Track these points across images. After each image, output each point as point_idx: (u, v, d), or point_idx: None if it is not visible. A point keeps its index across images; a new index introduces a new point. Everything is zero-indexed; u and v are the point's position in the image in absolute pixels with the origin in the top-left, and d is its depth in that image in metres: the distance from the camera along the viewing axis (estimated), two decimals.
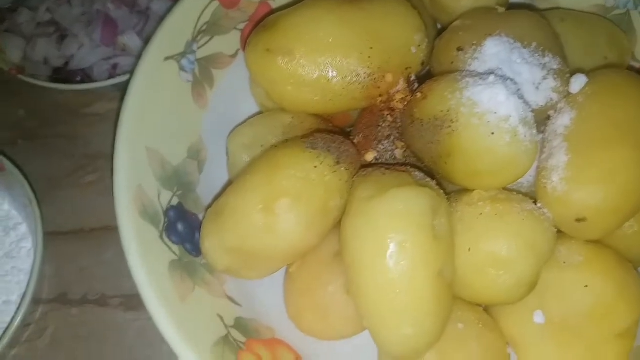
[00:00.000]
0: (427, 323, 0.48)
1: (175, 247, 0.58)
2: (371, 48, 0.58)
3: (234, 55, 0.70)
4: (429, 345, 0.50)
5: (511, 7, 0.67)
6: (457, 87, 0.52)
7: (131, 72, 0.62)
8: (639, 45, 0.68)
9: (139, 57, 0.63)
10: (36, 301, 0.73)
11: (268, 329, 0.60)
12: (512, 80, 0.53)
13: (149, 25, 0.79)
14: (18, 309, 0.67)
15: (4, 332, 0.66)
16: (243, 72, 0.66)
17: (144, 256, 0.54)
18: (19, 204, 0.76)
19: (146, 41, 0.65)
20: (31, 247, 0.73)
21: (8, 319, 0.68)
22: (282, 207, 0.52)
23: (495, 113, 0.49)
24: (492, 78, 0.51)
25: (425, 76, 0.66)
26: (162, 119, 0.63)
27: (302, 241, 0.54)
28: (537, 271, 0.51)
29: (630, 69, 0.67)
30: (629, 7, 0.68)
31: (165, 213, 0.59)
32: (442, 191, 0.53)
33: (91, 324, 0.72)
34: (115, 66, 0.79)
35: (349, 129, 0.67)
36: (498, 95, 0.49)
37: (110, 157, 0.62)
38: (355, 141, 0.62)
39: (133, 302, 0.72)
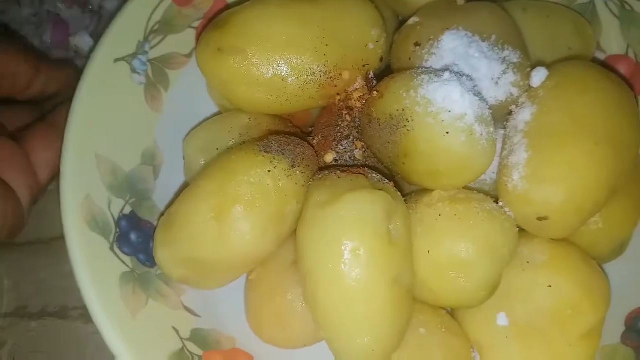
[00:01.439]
0: (384, 331, 0.47)
1: (127, 259, 0.56)
2: (326, 45, 0.56)
3: (189, 55, 0.68)
4: (387, 354, 0.48)
5: None
6: (412, 85, 0.50)
7: (79, 75, 0.60)
8: (604, 35, 0.66)
9: (87, 58, 0.61)
10: None
11: (229, 338, 0.59)
12: (468, 76, 0.51)
13: (101, 25, 0.76)
14: None
15: None
16: (200, 72, 0.64)
17: (92, 270, 0.52)
18: None
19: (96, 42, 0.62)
20: None
21: None
22: (235, 215, 0.50)
23: (450, 111, 0.47)
24: (447, 75, 0.49)
25: (386, 72, 0.64)
26: (113, 124, 0.60)
27: (258, 249, 0.52)
28: (498, 273, 0.50)
29: (595, 60, 0.65)
30: None
31: (117, 223, 0.57)
32: (399, 193, 0.51)
33: (51, 338, 0.70)
34: None
35: (309, 129, 0.65)
36: (452, 93, 0.48)
37: None
38: (314, 142, 0.60)
39: None
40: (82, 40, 0.75)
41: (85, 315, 0.71)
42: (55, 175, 0.64)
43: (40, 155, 0.62)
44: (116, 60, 0.61)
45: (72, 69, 0.71)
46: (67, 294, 0.72)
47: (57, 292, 0.72)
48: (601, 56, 0.67)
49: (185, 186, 0.64)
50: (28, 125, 0.64)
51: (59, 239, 0.74)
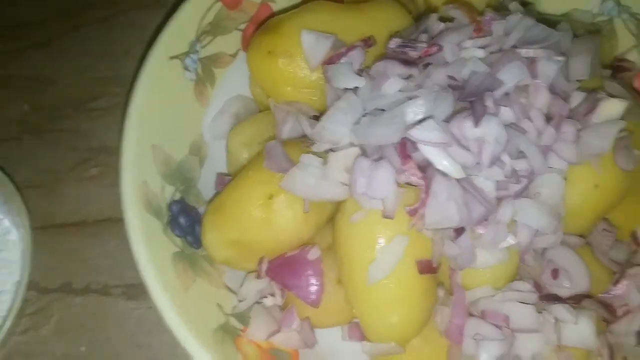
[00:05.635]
0: (413, 312, 0.52)
1: (177, 240, 0.61)
2: (367, 51, 0.61)
3: (235, 55, 0.73)
4: (415, 332, 0.53)
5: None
6: None
7: (132, 67, 0.65)
8: (620, 51, 0.71)
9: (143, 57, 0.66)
10: (41, 290, 0.76)
11: None
12: None
13: None
14: (15, 296, 0.70)
15: (4, 320, 0.69)
16: (243, 71, 0.69)
17: (149, 248, 0.57)
18: None
19: (151, 41, 0.67)
20: (16, 239, 0.76)
21: (5, 308, 0.71)
22: (280, 203, 0.56)
23: None
24: None
25: None
26: (166, 117, 0.65)
27: (298, 234, 0.58)
28: None
29: (614, 67, 0.69)
30: (612, 14, 0.71)
31: (169, 207, 0.62)
32: None
33: (94, 312, 0.75)
34: None
35: None
36: None
37: (112, 150, 0.64)
38: None
39: (134, 291, 0.75)
40: None
41: (126, 293, 0.76)
42: None
43: None
44: (171, 57, 0.66)
45: None
46: (109, 272, 0.77)
47: (100, 271, 0.77)
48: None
49: (219, 177, 0.69)
50: None
51: (102, 221, 0.81)
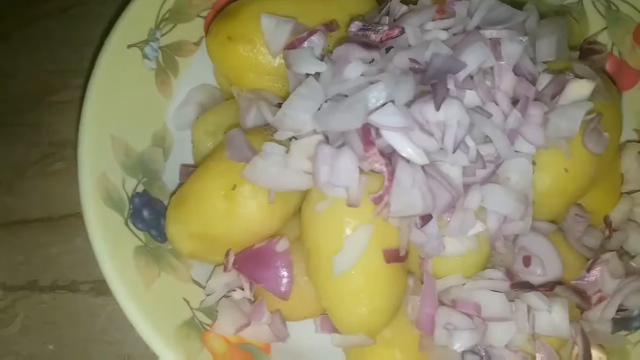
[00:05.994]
0: (381, 302, 0.51)
1: (140, 234, 0.59)
2: (329, 37, 0.59)
3: (198, 43, 0.71)
4: (384, 323, 0.52)
5: None
6: None
7: (93, 59, 0.63)
8: (591, 33, 0.70)
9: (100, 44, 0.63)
10: (6, 289, 0.74)
11: None
12: None
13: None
14: None
15: None
16: (207, 59, 0.67)
17: (109, 243, 0.55)
18: None
19: (108, 29, 0.65)
20: None
21: None
22: (243, 194, 0.54)
23: None
24: None
25: None
26: (126, 107, 0.63)
27: (263, 226, 0.56)
28: None
29: (584, 50, 0.68)
30: None
31: (130, 200, 0.60)
32: None
33: (62, 310, 0.73)
34: None
35: None
36: None
37: (76, 144, 0.62)
38: None
39: (103, 287, 0.72)
40: None
41: (95, 289, 0.74)
42: None
43: None
44: (129, 46, 0.64)
45: None
46: (76, 268, 0.75)
47: (67, 267, 0.75)
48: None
49: (183, 168, 0.67)
50: None
51: (69, 217, 0.79)
